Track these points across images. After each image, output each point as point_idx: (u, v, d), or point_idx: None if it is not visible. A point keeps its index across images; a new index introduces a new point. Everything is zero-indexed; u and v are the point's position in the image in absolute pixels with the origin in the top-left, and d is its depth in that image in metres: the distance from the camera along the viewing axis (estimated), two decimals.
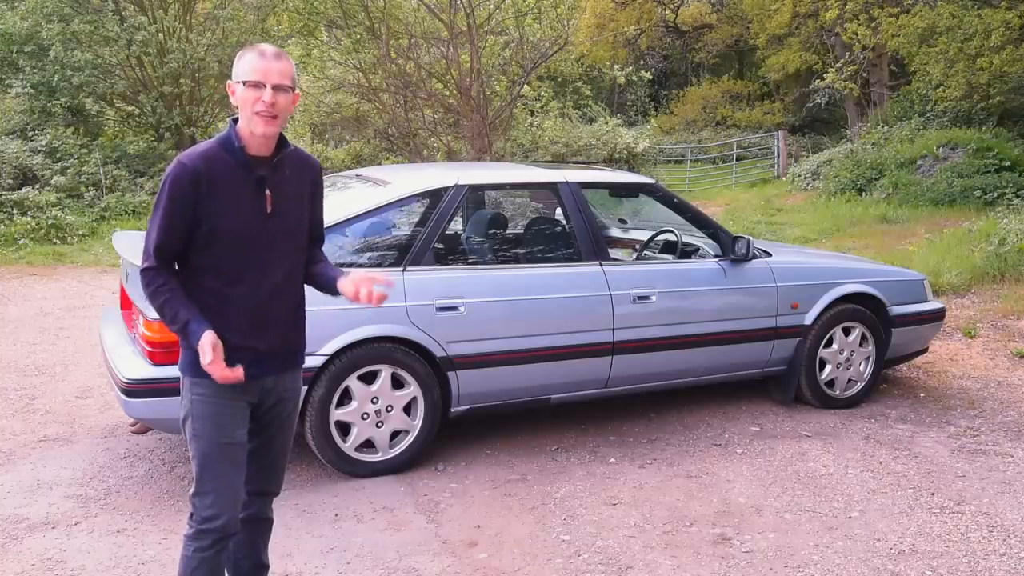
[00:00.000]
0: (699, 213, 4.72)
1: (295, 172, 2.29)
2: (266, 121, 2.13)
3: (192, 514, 2.25)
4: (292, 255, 2.30)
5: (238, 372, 2.13)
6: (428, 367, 3.82)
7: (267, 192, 2.19)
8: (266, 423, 2.34)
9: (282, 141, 2.24)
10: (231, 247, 2.17)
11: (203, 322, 2.12)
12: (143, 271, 2.16)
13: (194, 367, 2.20)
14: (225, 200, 2.14)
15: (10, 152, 12.87)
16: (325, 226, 3.30)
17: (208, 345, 2.08)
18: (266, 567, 2.54)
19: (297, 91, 2.23)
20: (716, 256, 4.60)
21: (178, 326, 2.14)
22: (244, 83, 2.13)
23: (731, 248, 4.51)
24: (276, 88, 2.13)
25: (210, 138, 2.25)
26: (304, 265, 2.38)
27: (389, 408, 3.78)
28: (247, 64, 2.14)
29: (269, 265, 2.23)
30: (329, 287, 2.39)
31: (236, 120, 2.20)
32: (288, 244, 2.27)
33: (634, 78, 13.93)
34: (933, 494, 3.67)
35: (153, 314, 3.30)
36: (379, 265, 3.84)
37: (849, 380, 4.85)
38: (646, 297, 4.24)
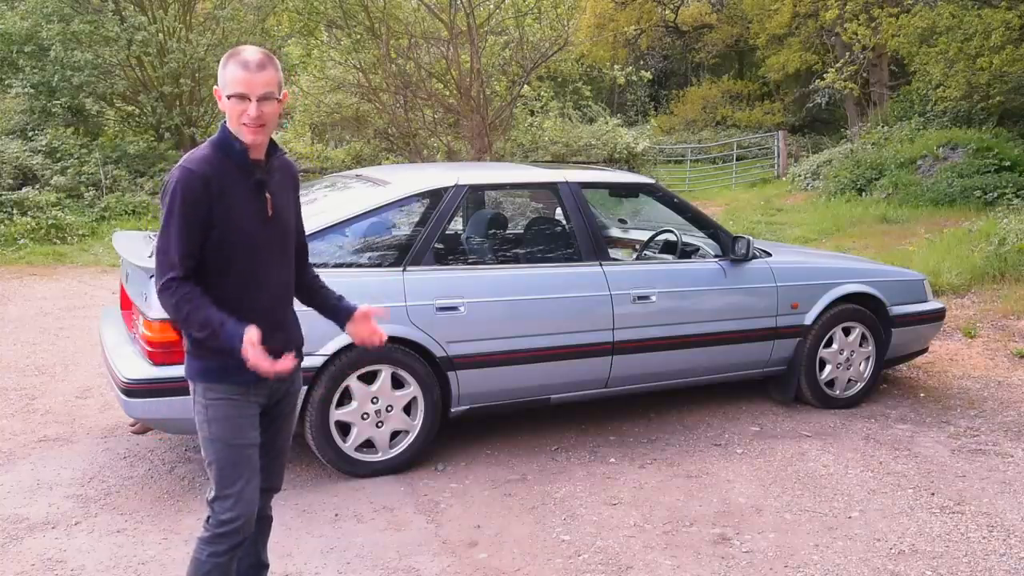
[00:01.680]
0: (699, 213, 4.72)
1: (282, 176, 2.30)
2: (253, 131, 2.13)
3: (209, 517, 2.24)
4: (289, 256, 2.33)
5: (287, 363, 2.07)
6: (428, 367, 3.81)
7: (267, 195, 2.21)
8: (272, 419, 2.37)
9: (272, 144, 2.25)
10: (240, 251, 2.17)
11: (238, 322, 2.07)
12: (167, 282, 2.09)
13: (205, 373, 2.21)
14: (232, 204, 2.14)
15: (10, 152, 12.86)
16: (326, 226, 3.30)
17: (253, 341, 2.02)
18: (266, 566, 2.55)
19: (284, 92, 2.21)
20: (716, 256, 4.59)
21: (209, 331, 2.07)
22: (229, 96, 2.11)
23: (731, 248, 4.51)
24: (261, 99, 2.10)
25: (211, 137, 2.24)
26: (295, 273, 2.39)
27: (389, 408, 3.78)
28: (231, 76, 2.11)
29: (273, 267, 2.25)
30: (336, 320, 2.46)
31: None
32: (286, 246, 2.30)
33: (634, 78, 13.95)
34: (933, 494, 3.67)
35: (153, 314, 3.32)
36: (379, 265, 3.84)
37: (849, 380, 4.84)
38: (646, 297, 4.24)
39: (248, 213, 2.17)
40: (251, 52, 2.14)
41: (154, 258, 2.15)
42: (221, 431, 2.20)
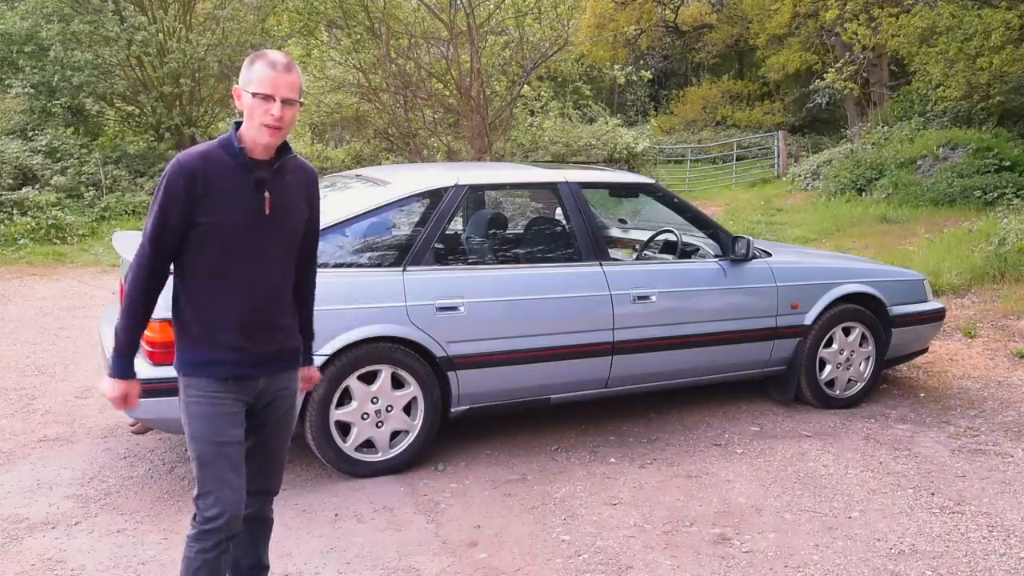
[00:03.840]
0: (699, 213, 4.72)
1: (294, 178, 2.30)
2: (272, 132, 2.15)
3: (195, 515, 2.25)
4: (287, 258, 2.32)
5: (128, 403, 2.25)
6: (428, 367, 3.81)
7: (266, 194, 2.20)
8: (262, 422, 2.36)
9: (283, 146, 2.26)
10: (228, 247, 2.18)
11: (129, 367, 2.22)
12: (135, 266, 2.19)
13: (186, 366, 2.23)
14: (223, 200, 2.15)
15: (10, 152, 12.86)
16: (326, 226, 3.28)
17: (112, 394, 2.22)
18: (266, 567, 2.55)
19: (302, 101, 2.24)
20: (716, 256, 4.59)
21: (116, 342, 2.22)
22: (254, 94, 2.13)
23: (731, 248, 4.51)
24: (284, 102, 2.14)
25: (211, 139, 2.26)
26: (294, 272, 2.39)
27: (389, 408, 3.78)
28: (258, 74, 2.14)
29: (265, 267, 2.24)
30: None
31: (238, 124, 2.21)
32: (284, 247, 2.29)
33: (634, 78, 13.95)
34: (933, 494, 3.67)
35: (155, 314, 3.31)
36: (379, 265, 3.84)
37: (849, 380, 4.84)
38: (646, 297, 4.24)
39: (243, 210, 2.18)
40: (278, 54, 2.19)
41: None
42: (201, 428, 2.21)
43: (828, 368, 4.76)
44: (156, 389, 3.36)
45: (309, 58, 13.52)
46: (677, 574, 3.01)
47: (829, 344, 4.74)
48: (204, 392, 2.21)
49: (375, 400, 3.75)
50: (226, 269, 2.19)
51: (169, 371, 3.29)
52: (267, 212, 2.21)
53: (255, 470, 2.36)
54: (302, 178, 2.34)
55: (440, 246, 4.04)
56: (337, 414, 3.71)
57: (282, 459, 2.48)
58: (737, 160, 21.68)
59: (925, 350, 5.34)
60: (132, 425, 3.91)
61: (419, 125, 12.96)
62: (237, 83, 2.20)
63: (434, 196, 4.04)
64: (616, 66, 14.00)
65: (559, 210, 4.39)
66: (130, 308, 2.19)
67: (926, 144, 14.07)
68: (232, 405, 2.24)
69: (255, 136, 2.16)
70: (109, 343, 3.86)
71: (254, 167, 2.19)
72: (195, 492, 2.24)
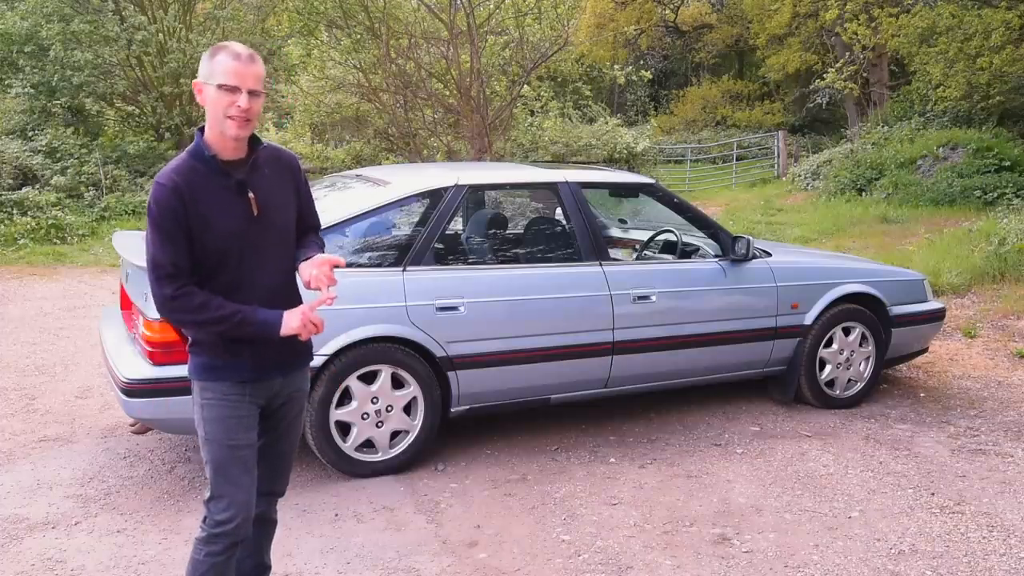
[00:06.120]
0: (699, 213, 4.72)
1: (273, 169, 2.24)
2: (240, 124, 2.09)
3: (205, 517, 2.24)
4: (285, 254, 2.27)
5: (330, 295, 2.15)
6: (428, 367, 3.81)
7: (250, 195, 2.16)
8: (275, 423, 2.35)
9: (254, 140, 2.20)
10: (223, 255, 2.13)
11: (268, 311, 2.16)
12: (171, 299, 2.09)
13: (202, 371, 2.21)
14: (209, 211, 2.10)
15: (10, 152, 12.86)
16: (326, 226, 3.30)
17: (296, 317, 2.15)
18: (268, 568, 2.55)
19: (264, 93, 2.18)
20: (716, 256, 4.59)
21: (252, 327, 2.13)
22: (218, 86, 2.07)
23: (731, 248, 4.51)
24: (251, 93, 2.08)
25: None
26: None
27: (389, 408, 3.78)
28: (221, 66, 2.07)
29: (263, 267, 2.20)
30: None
31: (202, 129, 2.14)
32: (279, 243, 2.24)
33: (634, 78, 13.95)
34: (933, 494, 3.67)
35: (153, 314, 3.32)
36: (379, 265, 3.84)
37: (849, 380, 4.84)
38: (646, 297, 4.24)
39: (231, 216, 2.13)
40: (240, 45, 2.13)
41: (149, 275, 2.13)
42: (216, 431, 2.20)
43: (828, 368, 4.76)
44: (156, 389, 3.37)
45: (309, 58, 13.54)
46: (677, 574, 3.01)
47: (829, 344, 4.74)
48: (220, 395, 2.19)
49: (375, 400, 3.75)
50: (227, 276, 2.15)
51: (169, 371, 3.33)
52: (255, 213, 2.16)
53: (264, 471, 2.35)
54: (281, 166, 2.27)
55: (440, 246, 4.04)
56: (337, 414, 3.71)
57: (291, 460, 2.47)
58: (737, 160, 21.68)
59: (925, 350, 5.34)
60: (132, 425, 3.91)
61: (419, 125, 12.96)
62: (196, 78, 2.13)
63: (434, 196, 4.04)
64: (616, 66, 13.99)
65: (559, 210, 4.39)
66: (219, 321, 2.12)
67: (926, 144, 14.07)
68: (247, 408, 2.23)
69: (221, 130, 2.10)
70: (109, 343, 3.88)
71: (230, 170, 2.14)
72: (206, 494, 2.23)
